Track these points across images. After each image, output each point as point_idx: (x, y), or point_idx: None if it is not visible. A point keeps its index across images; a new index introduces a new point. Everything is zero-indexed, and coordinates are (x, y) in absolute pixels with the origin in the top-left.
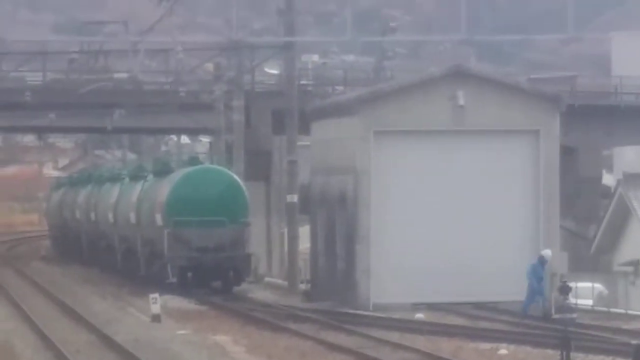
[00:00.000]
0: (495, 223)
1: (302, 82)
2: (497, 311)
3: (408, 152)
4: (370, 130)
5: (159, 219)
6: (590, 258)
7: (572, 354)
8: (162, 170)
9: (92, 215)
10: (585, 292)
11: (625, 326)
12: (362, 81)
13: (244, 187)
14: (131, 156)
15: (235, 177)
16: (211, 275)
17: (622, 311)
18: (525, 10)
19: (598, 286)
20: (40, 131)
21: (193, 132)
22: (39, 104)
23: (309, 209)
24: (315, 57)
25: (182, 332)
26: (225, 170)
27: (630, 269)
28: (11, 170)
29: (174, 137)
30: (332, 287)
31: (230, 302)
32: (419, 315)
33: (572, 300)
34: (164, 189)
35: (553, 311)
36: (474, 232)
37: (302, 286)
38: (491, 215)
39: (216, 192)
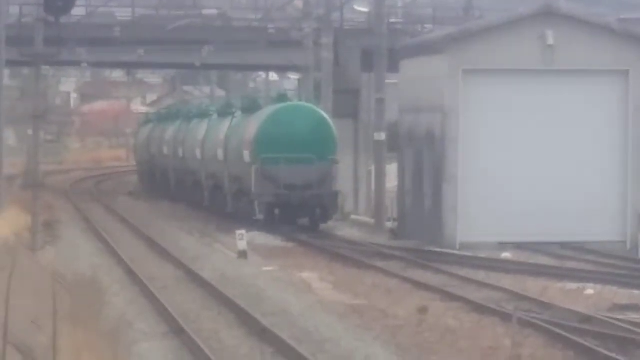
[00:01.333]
0: (583, 163)
1: (391, 20)
2: (584, 251)
3: (496, 91)
4: (459, 69)
5: (246, 155)
6: None
7: None
8: (251, 107)
9: (180, 152)
10: None
11: None
12: (451, 20)
13: (332, 125)
14: (219, 93)
15: (324, 114)
16: (298, 213)
17: None
18: None
19: None
20: (129, 67)
21: (281, 69)
22: (128, 40)
23: (396, 147)
24: None
25: (269, 268)
26: (314, 107)
27: None
28: (100, 105)
29: (263, 74)
30: (419, 225)
31: (317, 240)
32: (506, 254)
33: None
34: (252, 126)
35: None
36: (561, 173)
37: (389, 224)
38: (579, 155)
39: (304, 130)
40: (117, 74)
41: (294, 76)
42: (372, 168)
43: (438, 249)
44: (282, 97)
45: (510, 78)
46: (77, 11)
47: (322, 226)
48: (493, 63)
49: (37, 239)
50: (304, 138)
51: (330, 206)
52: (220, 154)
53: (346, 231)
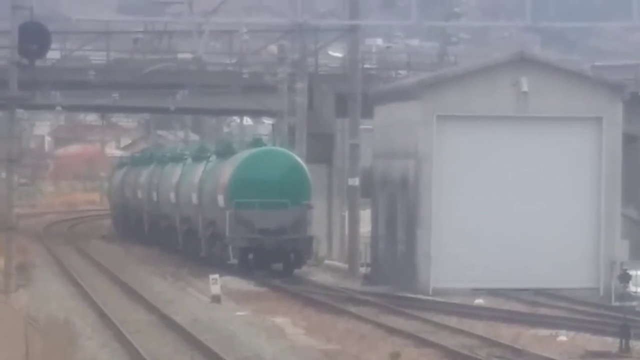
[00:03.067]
0: (556, 210)
1: (366, 65)
2: (558, 298)
3: (470, 138)
4: (433, 115)
5: (221, 200)
6: None
7: (632, 342)
8: (225, 152)
9: (154, 195)
10: None
11: None
12: (425, 66)
13: (306, 170)
14: (194, 137)
15: (299, 159)
16: (272, 258)
17: None
18: None
19: None
20: (103, 110)
21: (256, 114)
22: (103, 84)
23: (370, 192)
24: (379, 41)
25: (242, 313)
26: (289, 152)
27: None
28: (74, 149)
29: (237, 119)
30: (392, 270)
31: (290, 285)
32: (479, 301)
33: (632, 288)
34: (227, 170)
35: (613, 299)
36: (535, 219)
37: (362, 269)
38: (552, 202)
39: (279, 174)
40: (92, 118)
41: (268, 121)
42: (346, 213)
43: (411, 295)
44: (256, 142)
45: (485, 124)
46: (52, 54)
47: (296, 271)
48: (467, 109)
49: (11, 282)
50: (278, 183)
51: (304, 251)
52: (194, 198)
53: (319, 276)
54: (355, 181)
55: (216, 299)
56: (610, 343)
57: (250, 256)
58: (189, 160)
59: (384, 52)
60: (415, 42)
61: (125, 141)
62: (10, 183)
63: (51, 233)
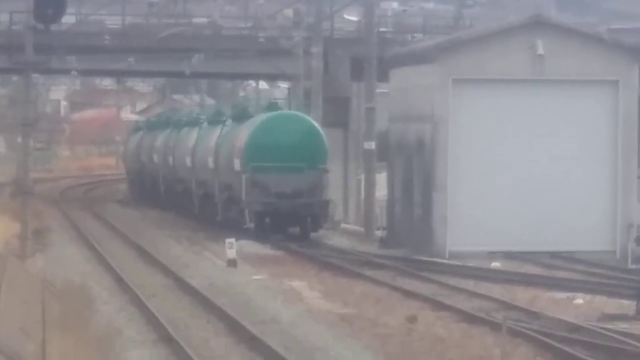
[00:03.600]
0: (572, 173)
1: (381, 29)
2: (574, 261)
3: (486, 101)
4: (449, 79)
5: (237, 164)
6: None
7: None
8: (241, 115)
9: (170, 160)
10: None
11: None
12: (441, 29)
13: (322, 134)
14: (209, 101)
15: (314, 123)
16: (288, 221)
17: None
18: None
19: None
20: (118, 75)
21: (271, 78)
22: (118, 48)
23: (386, 156)
24: (395, 4)
25: (258, 277)
26: (305, 116)
27: None
28: (89, 113)
29: (253, 83)
30: (409, 234)
31: (306, 248)
32: (495, 264)
33: None
34: (243, 134)
35: (629, 262)
36: (551, 182)
37: (379, 233)
38: (568, 165)
39: (295, 138)
40: (107, 82)
41: (283, 85)
42: (362, 177)
43: (427, 258)
44: (272, 106)
45: (500, 88)
46: (67, 19)
47: (312, 235)
48: (483, 72)
49: (27, 247)
50: (294, 147)
51: (320, 215)
52: (210, 162)
53: (336, 240)
54: (371, 145)
55: (232, 263)
56: (627, 306)
57: (267, 220)
58: (205, 124)
59: (399, 16)
60: (430, 5)
61: (141, 105)
62: (26, 147)
63: (67, 198)
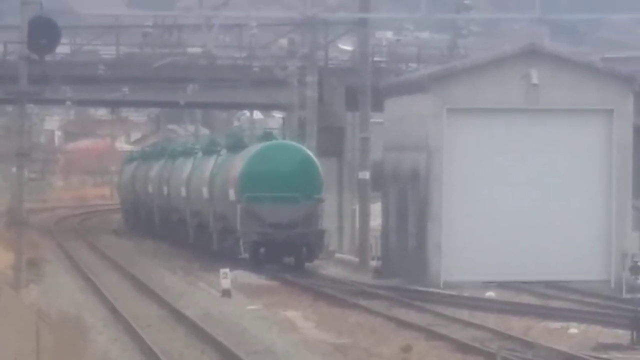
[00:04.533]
0: (567, 202)
1: (376, 58)
2: (569, 290)
3: (481, 130)
4: (444, 108)
5: (232, 194)
6: None
7: None
8: (236, 145)
9: (165, 190)
10: None
11: None
12: (435, 58)
13: (317, 163)
14: (204, 131)
15: (309, 152)
16: (284, 251)
17: None
18: None
19: None
20: (113, 105)
21: (266, 108)
22: (112, 78)
23: (381, 185)
24: (389, 34)
25: (253, 307)
26: (299, 145)
27: None
28: (84, 143)
29: (247, 113)
30: (403, 264)
31: (301, 278)
32: (490, 294)
33: None
34: (238, 164)
35: (624, 291)
36: (545, 211)
37: (373, 263)
38: (563, 194)
39: (290, 168)
40: (102, 112)
41: (278, 114)
42: (357, 207)
43: (422, 288)
44: (267, 135)
45: (495, 117)
46: (61, 49)
47: (307, 265)
48: (477, 102)
49: (21, 277)
50: (289, 176)
51: (316, 245)
52: (205, 192)
53: (330, 270)
54: (365, 174)
55: (227, 293)
56: (622, 335)
57: (262, 250)
58: (200, 154)
59: (394, 45)
60: (425, 35)
61: (136, 135)
62: (20, 178)
63: (62, 228)
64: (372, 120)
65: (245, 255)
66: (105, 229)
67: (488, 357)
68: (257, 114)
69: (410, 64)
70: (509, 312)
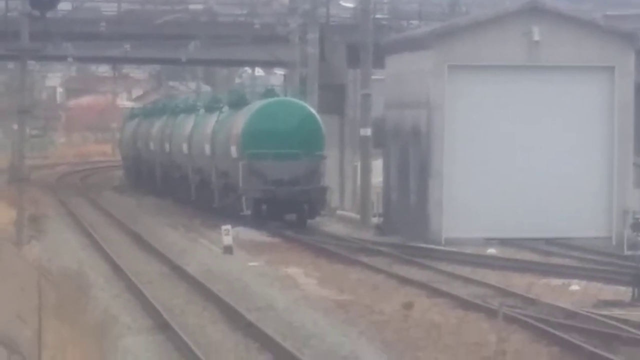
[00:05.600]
0: (568, 159)
1: (377, 15)
2: (570, 247)
3: (482, 88)
4: (445, 65)
5: (234, 151)
6: None
7: None
8: (238, 102)
9: (167, 146)
10: None
11: None
12: (437, 15)
13: (319, 120)
14: (205, 88)
15: (312, 110)
16: (285, 208)
17: None
18: None
19: None
20: (114, 62)
21: (267, 65)
22: (114, 35)
23: (382, 142)
24: None
25: (254, 264)
26: (302, 102)
27: None
28: (85, 100)
29: (248, 70)
30: (404, 221)
31: (303, 235)
32: (491, 250)
33: None
34: (240, 120)
35: (625, 248)
36: (547, 169)
37: (374, 220)
38: (564, 151)
39: (292, 125)
40: (103, 69)
41: (279, 71)
42: (358, 164)
43: (423, 245)
44: (269, 92)
45: (496, 74)
46: (63, 6)
47: (308, 222)
48: (478, 59)
49: (23, 234)
50: (291, 133)
51: (318, 202)
52: (207, 149)
53: (332, 227)
54: (367, 131)
55: (228, 249)
56: (623, 292)
57: (264, 207)
58: (202, 111)
59: (395, 2)
60: None
61: (137, 92)
62: (22, 134)
63: (63, 184)
64: (373, 77)
65: (247, 212)
66: (107, 186)
67: (489, 314)
68: (259, 71)
69: (411, 21)
70: (511, 269)
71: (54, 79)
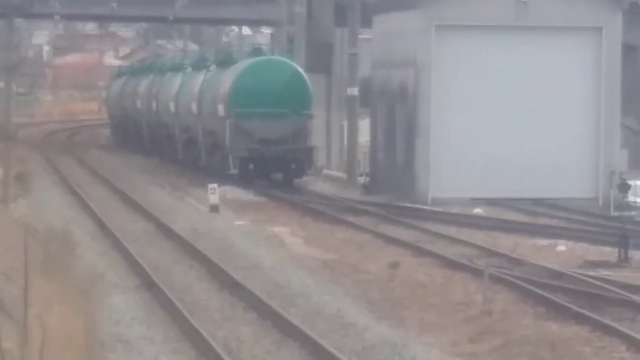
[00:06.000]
0: (555, 120)
1: None
2: (556, 208)
3: (469, 47)
4: (432, 25)
5: (221, 109)
6: None
7: (631, 252)
8: (225, 61)
9: (154, 105)
10: None
11: None
12: None
13: (307, 79)
14: (192, 47)
15: (299, 68)
16: (272, 167)
17: None
18: None
19: None
20: (101, 20)
21: (254, 24)
22: None
23: (369, 102)
24: None
25: (240, 222)
26: (289, 61)
27: None
28: (72, 58)
29: (236, 29)
30: (391, 180)
31: (289, 194)
32: (478, 210)
33: (631, 198)
34: (227, 79)
35: (612, 209)
36: (534, 129)
37: (361, 179)
38: (551, 111)
39: (279, 84)
40: (90, 27)
41: (266, 30)
42: (345, 123)
43: (410, 205)
44: (256, 51)
45: (484, 34)
46: None
47: (295, 181)
48: (466, 19)
49: (9, 192)
50: (279, 92)
51: (305, 161)
52: (194, 107)
53: (318, 186)
54: (354, 91)
55: (215, 208)
56: (609, 253)
57: (251, 166)
58: (189, 69)
59: None
60: None
61: (124, 51)
62: (8, 92)
63: (50, 142)
64: (360, 36)
65: (234, 171)
66: (94, 144)
67: (475, 274)
68: (246, 30)
69: None
70: (497, 229)
71: (41, 36)
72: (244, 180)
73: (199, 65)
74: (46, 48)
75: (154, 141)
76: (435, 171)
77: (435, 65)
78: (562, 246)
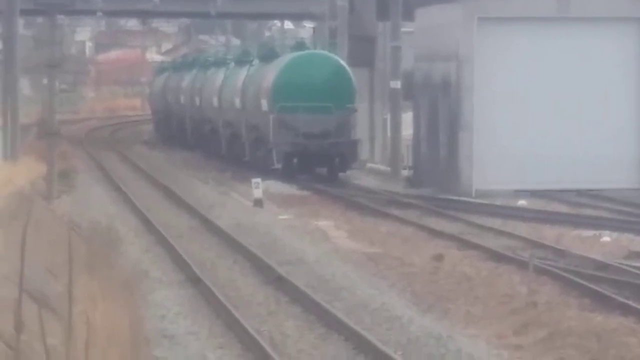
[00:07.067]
0: (598, 111)
1: None
2: (600, 198)
3: (511, 39)
4: (474, 17)
5: (264, 104)
6: None
7: None
8: (269, 55)
9: (197, 100)
10: None
11: None
12: None
13: (350, 73)
14: (235, 41)
15: (342, 62)
16: (316, 162)
17: None
18: None
19: None
20: (144, 15)
21: (297, 18)
22: None
23: (412, 95)
24: None
25: (284, 217)
26: (332, 55)
27: None
28: (115, 54)
29: (278, 23)
30: (435, 173)
31: (333, 188)
32: (522, 202)
33: None
34: (270, 73)
35: None
36: (577, 120)
37: (405, 172)
38: (594, 103)
39: (323, 78)
40: (132, 23)
41: (309, 24)
42: (388, 116)
43: (454, 197)
44: (300, 45)
45: (525, 26)
46: None
47: (338, 175)
48: (508, 11)
49: (53, 188)
50: (322, 86)
51: (349, 155)
52: (237, 102)
53: (362, 179)
54: (397, 84)
55: (258, 203)
56: None
57: (294, 160)
58: (232, 64)
59: None
60: None
61: (166, 46)
62: (51, 89)
63: (93, 139)
64: (403, 29)
65: (278, 166)
66: (137, 140)
67: (520, 266)
68: (288, 24)
69: None
70: (541, 220)
71: (83, 33)
72: (288, 174)
73: (242, 60)
74: (89, 45)
75: (197, 136)
76: (478, 163)
77: (478, 58)
78: (606, 237)
